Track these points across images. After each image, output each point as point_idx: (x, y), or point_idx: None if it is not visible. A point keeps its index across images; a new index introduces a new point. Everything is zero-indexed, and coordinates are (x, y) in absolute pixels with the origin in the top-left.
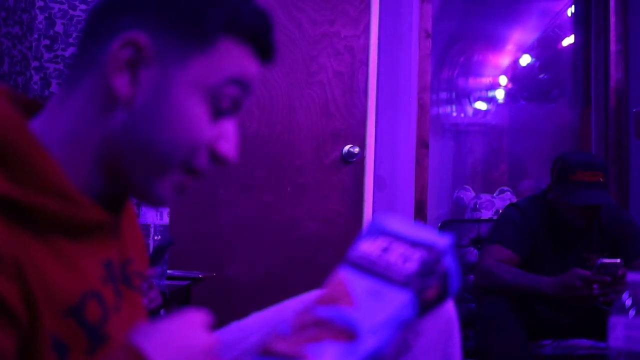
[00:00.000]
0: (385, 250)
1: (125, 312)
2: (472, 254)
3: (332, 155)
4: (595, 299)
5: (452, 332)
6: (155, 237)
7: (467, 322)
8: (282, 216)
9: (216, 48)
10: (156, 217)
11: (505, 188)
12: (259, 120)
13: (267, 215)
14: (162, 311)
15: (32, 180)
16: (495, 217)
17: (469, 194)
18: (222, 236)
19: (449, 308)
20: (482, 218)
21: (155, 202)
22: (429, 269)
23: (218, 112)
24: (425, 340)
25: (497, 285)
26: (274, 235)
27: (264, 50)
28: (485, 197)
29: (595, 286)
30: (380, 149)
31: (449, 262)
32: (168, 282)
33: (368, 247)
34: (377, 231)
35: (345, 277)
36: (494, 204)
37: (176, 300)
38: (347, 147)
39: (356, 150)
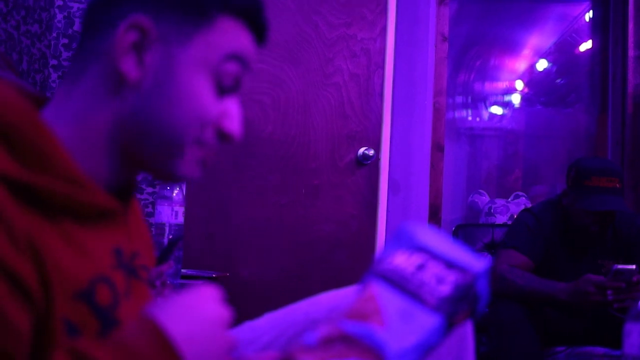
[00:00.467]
0: (419, 268)
1: (134, 300)
2: (486, 258)
3: (347, 158)
4: (609, 306)
5: (465, 337)
6: (170, 236)
7: (480, 327)
8: (296, 218)
9: (214, 26)
10: (171, 217)
11: (520, 193)
12: (274, 122)
13: (281, 216)
14: None
15: (41, 164)
16: (509, 222)
17: (483, 199)
18: (236, 237)
19: None
20: (496, 223)
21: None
22: (462, 294)
23: (221, 90)
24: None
25: (510, 290)
26: (288, 236)
27: (258, 28)
28: (499, 201)
29: (609, 292)
30: (395, 152)
31: (482, 286)
32: (182, 281)
33: (402, 262)
34: (411, 245)
35: (377, 293)
36: (508, 208)
37: None
38: (362, 150)
39: (371, 153)
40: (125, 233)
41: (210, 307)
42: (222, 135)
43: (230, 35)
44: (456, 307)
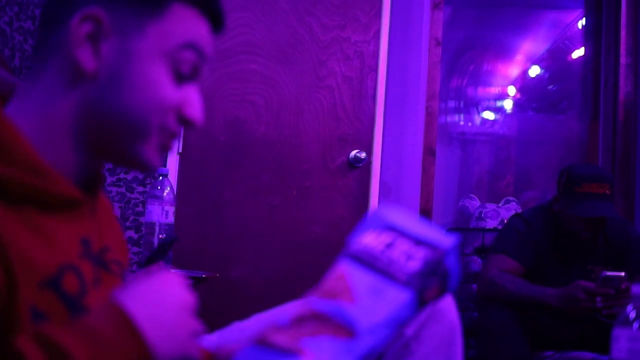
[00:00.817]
0: (388, 246)
1: (104, 290)
2: (476, 263)
3: (339, 160)
4: (598, 312)
5: (454, 340)
6: (160, 236)
7: (469, 331)
8: (287, 219)
9: (169, 15)
10: (162, 216)
11: (511, 198)
12: (267, 123)
13: (272, 217)
14: None
15: (2, 155)
16: (500, 227)
17: (474, 203)
18: (226, 237)
19: (452, 316)
20: (486, 227)
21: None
22: (431, 269)
23: (180, 77)
24: (428, 347)
25: (500, 295)
26: (279, 238)
27: (214, 16)
28: (490, 206)
29: (598, 299)
30: (387, 155)
31: (451, 262)
32: None
33: (371, 241)
34: (381, 225)
35: (347, 272)
36: (499, 213)
37: None
38: (353, 152)
39: (363, 155)
40: (93, 224)
41: (174, 292)
42: (184, 121)
43: (185, 24)
44: (426, 282)
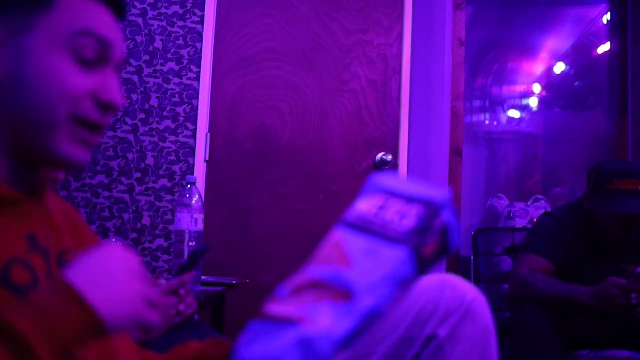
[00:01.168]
0: (381, 208)
1: None
2: (507, 262)
3: (365, 163)
4: (633, 309)
5: (489, 341)
6: (190, 243)
7: (501, 331)
8: (314, 224)
9: (57, 6)
10: (191, 224)
11: (540, 196)
12: (292, 129)
13: (300, 223)
14: (196, 316)
15: None
16: (529, 226)
17: (502, 202)
18: (255, 243)
19: (486, 317)
20: (516, 227)
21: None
22: (426, 224)
23: (86, 63)
24: (462, 349)
25: (531, 294)
26: (306, 243)
27: (110, 1)
28: (519, 205)
29: (633, 295)
30: (413, 156)
31: (448, 217)
32: (202, 288)
33: (364, 206)
34: (373, 189)
35: (341, 238)
36: (528, 212)
37: (210, 305)
38: (379, 155)
39: (389, 158)
40: (41, 223)
41: (116, 257)
42: (103, 106)
43: (75, 12)
44: (422, 238)
